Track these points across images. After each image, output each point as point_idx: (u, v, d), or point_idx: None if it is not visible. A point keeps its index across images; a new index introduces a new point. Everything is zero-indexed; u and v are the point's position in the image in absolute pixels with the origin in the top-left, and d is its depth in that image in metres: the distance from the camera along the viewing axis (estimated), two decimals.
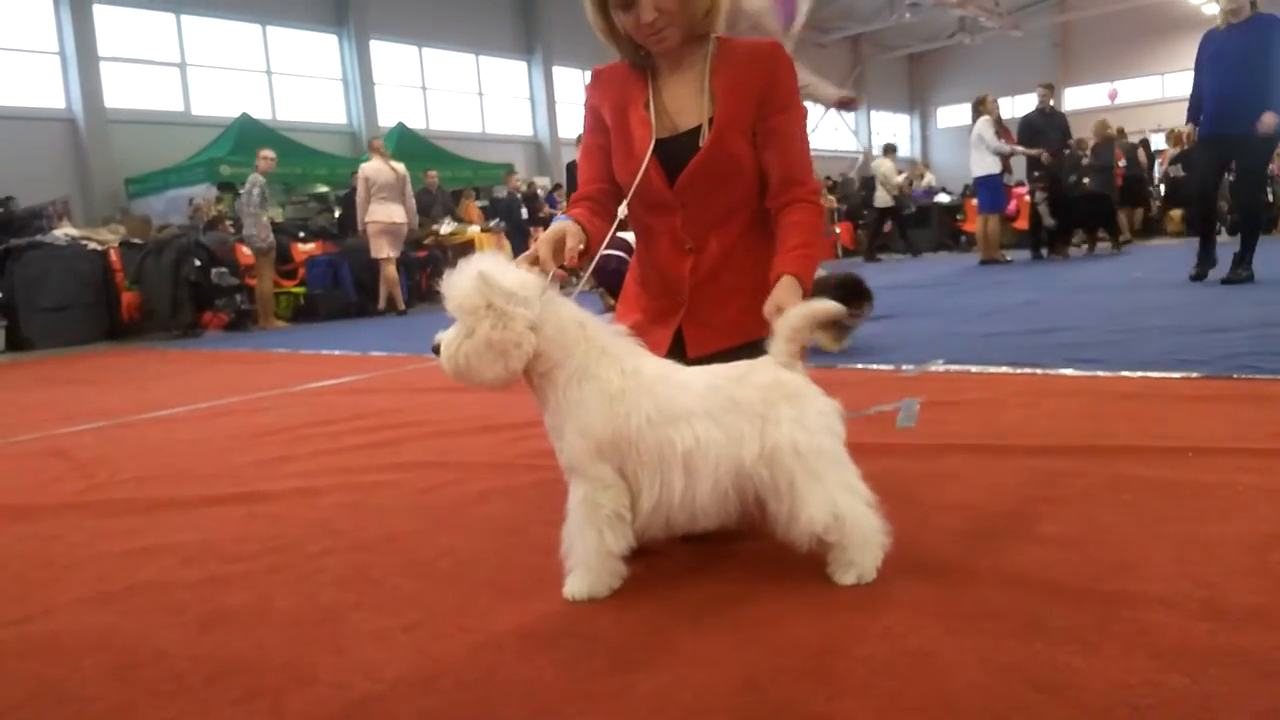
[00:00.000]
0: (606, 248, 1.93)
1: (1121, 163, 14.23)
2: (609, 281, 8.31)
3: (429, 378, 4.72)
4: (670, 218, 1.96)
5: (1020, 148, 11.21)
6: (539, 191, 15.62)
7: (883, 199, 15.20)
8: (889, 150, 15.64)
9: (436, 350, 1.55)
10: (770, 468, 1.51)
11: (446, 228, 13.09)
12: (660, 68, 1.97)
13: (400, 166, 10.51)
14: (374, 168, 10.22)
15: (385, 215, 10.23)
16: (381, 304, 10.67)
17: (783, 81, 1.91)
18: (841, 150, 29.39)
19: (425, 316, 10.03)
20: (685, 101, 1.94)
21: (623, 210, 1.95)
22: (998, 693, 1.16)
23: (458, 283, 1.51)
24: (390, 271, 10.55)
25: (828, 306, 1.58)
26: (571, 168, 12.02)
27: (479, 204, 15.29)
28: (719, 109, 1.90)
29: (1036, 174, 11.44)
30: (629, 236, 2.07)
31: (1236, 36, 6.28)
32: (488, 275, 1.48)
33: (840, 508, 1.49)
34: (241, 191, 10.38)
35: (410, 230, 10.80)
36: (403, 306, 10.68)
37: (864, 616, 1.40)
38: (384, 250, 10.38)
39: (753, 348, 1.69)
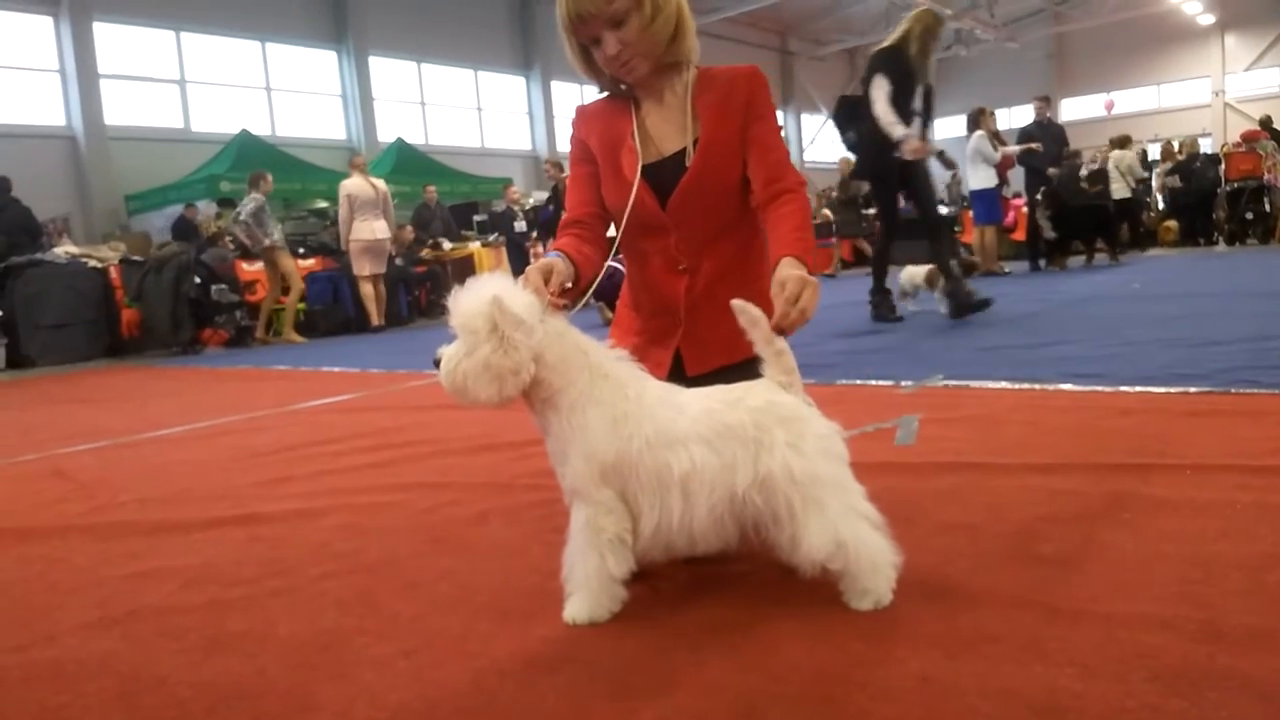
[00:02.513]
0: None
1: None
2: (605, 293, 8.35)
3: (429, 395, 4.73)
4: (664, 239, 1.99)
5: (1017, 146, 11.24)
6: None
7: (1121, 190, 13.70)
8: (1124, 142, 14.26)
9: (437, 364, 1.56)
10: (765, 494, 1.51)
11: (448, 244, 13.14)
12: (641, 99, 2.01)
13: (380, 183, 10.62)
14: (354, 184, 10.30)
15: (368, 233, 10.31)
16: (374, 320, 10.68)
17: (760, 95, 1.98)
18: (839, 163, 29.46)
19: (423, 333, 10.05)
20: (667, 127, 1.99)
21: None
22: (997, 718, 1.16)
23: (466, 300, 1.52)
24: (367, 289, 10.59)
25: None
26: (554, 192, 12.03)
27: (477, 218, 15.33)
28: (704, 128, 1.95)
29: (1043, 189, 11.46)
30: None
31: None
32: (501, 300, 1.49)
33: (843, 535, 1.48)
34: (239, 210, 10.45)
35: (393, 245, 10.80)
36: (378, 322, 10.69)
37: (863, 642, 1.41)
38: (365, 268, 10.46)
39: (754, 363, 1.70)
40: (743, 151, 1.95)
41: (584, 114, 2.10)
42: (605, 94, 2.08)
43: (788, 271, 1.67)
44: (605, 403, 1.55)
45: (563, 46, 1.96)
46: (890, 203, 6.88)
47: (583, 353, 1.59)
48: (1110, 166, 13.50)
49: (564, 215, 2.05)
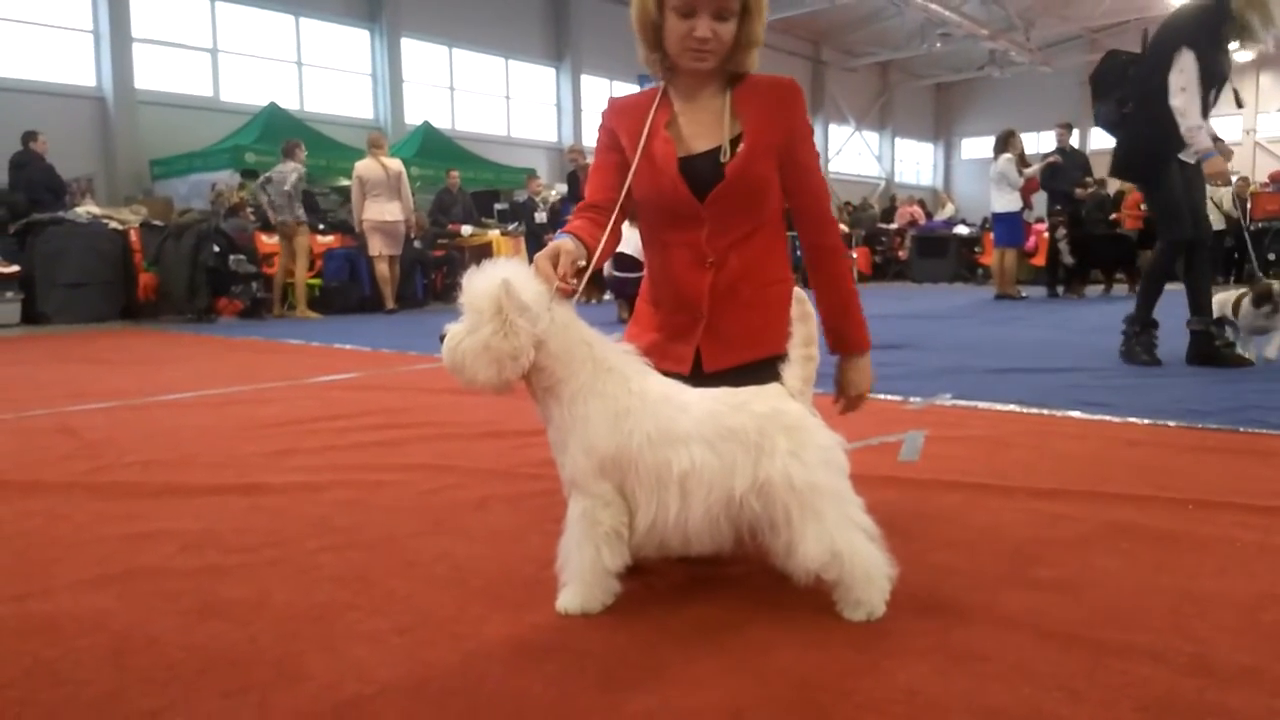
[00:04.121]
0: (624, 270, 1.96)
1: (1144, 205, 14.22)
2: (628, 296, 8.35)
3: (438, 378, 4.74)
4: (694, 232, 1.98)
5: (1038, 165, 11.19)
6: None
7: (1216, 223, 13.35)
8: None
9: (443, 339, 1.57)
10: (762, 500, 1.51)
11: (468, 230, 13.15)
12: (675, 96, 2.01)
13: (394, 163, 10.52)
14: (365, 166, 10.29)
15: (377, 214, 10.29)
16: (388, 304, 10.68)
17: (804, 113, 2.03)
18: (864, 175, 29.40)
19: (437, 316, 10.05)
20: (699, 126, 1.99)
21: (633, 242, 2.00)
22: None
23: (477, 281, 1.54)
24: (383, 269, 10.58)
25: None
26: (571, 177, 12.02)
27: (498, 206, 15.34)
28: (748, 130, 1.95)
29: (1059, 207, 11.45)
30: (634, 251, 2.12)
31: None
32: (510, 284, 1.50)
33: (839, 545, 1.48)
34: (270, 175, 10.47)
35: (408, 226, 10.78)
36: (392, 305, 10.69)
37: (853, 651, 1.41)
38: (378, 248, 10.45)
39: (771, 362, 1.70)
40: (783, 163, 1.98)
41: (615, 106, 2.10)
42: (638, 90, 2.10)
43: (853, 376, 2.12)
44: (608, 396, 1.56)
45: (620, 14, 1.98)
46: (1174, 207, 4.76)
47: (587, 345, 1.59)
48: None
49: (582, 199, 2.05)
